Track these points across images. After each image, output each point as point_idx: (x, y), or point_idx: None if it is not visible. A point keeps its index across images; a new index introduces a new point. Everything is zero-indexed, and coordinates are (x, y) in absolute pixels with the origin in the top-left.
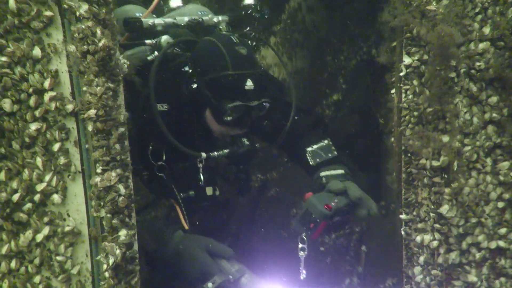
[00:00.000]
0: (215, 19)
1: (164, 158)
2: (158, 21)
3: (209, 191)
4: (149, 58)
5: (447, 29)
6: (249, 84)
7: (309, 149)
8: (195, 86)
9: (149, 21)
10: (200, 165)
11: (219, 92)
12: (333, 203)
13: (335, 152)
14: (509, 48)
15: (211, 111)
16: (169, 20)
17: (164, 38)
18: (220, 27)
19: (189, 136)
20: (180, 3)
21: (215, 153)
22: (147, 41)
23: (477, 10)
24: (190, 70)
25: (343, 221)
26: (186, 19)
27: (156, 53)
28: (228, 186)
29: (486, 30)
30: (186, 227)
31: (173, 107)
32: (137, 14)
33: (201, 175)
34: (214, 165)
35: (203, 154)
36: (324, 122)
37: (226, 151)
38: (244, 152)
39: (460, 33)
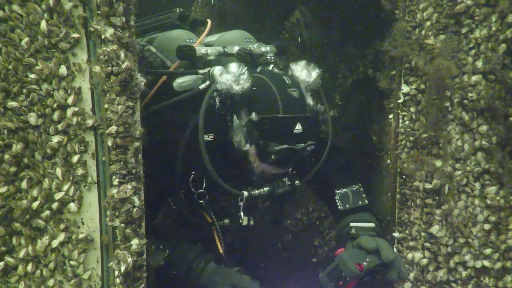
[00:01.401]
0: (263, 49)
1: (204, 186)
2: (211, 50)
3: (245, 221)
4: (200, 87)
5: (444, 62)
6: (298, 127)
7: (338, 191)
8: (242, 122)
9: (202, 49)
10: (241, 203)
11: (267, 134)
12: (365, 263)
13: (366, 201)
14: (499, 81)
15: (256, 149)
16: (220, 49)
17: (218, 69)
18: (268, 57)
19: (231, 170)
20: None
21: (256, 191)
22: (201, 71)
23: (471, 45)
24: (240, 106)
25: (372, 280)
26: (236, 48)
27: (207, 82)
28: (262, 217)
29: (479, 64)
30: (221, 251)
31: (219, 139)
32: (187, 41)
33: (241, 213)
34: (252, 198)
35: (245, 193)
36: (356, 166)
37: (266, 189)
38: (284, 192)
39: (455, 66)
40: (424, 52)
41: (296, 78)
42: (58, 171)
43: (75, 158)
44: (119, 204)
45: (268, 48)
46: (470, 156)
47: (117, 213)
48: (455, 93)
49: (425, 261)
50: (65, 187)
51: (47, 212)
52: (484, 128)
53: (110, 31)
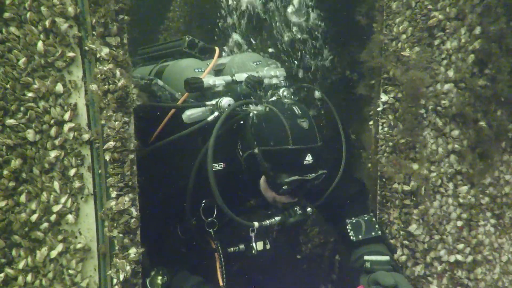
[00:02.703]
0: (272, 73)
1: (215, 215)
2: (218, 81)
3: (259, 245)
4: (209, 118)
5: (418, 73)
6: (309, 158)
7: (350, 221)
8: (251, 152)
9: (210, 80)
10: (252, 234)
11: (277, 165)
12: None
13: (379, 232)
14: (469, 89)
15: (267, 179)
16: (228, 78)
17: (225, 101)
18: (278, 81)
19: (242, 199)
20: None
21: (267, 221)
22: (208, 103)
23: (443, 56)
24: (250, 136)
25: None
26: (244, 75)
27: (216, 113)
28: (278, 241)
29: (450, 73)
30: (221, 284)
31: (229, 168)
32: (196, 70)
33: (253, 243)
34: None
35: (256, 224)
36: (368, 194)
37: (277, 218)
38: (296, 221)
39: (429, 77)
40: (400, 63)
41: (305, 108)
42: (56, 185)
43: (72, 172)
44: (117, 215)
45: (278, 73)
46: (444, 158)
47: (115, 224)
48: (429, 101)
49: (404, 257)
50: (63, 200)
51: (45, 224)
52: (456, 132)
53: (105, 50)
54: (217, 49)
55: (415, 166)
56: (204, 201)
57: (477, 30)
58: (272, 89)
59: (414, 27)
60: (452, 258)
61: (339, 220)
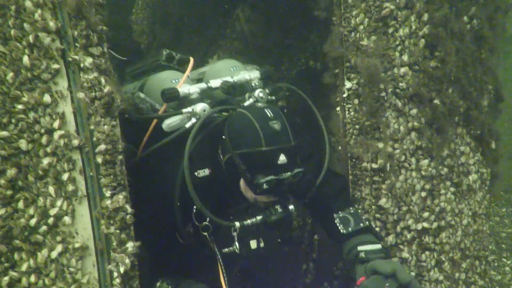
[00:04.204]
0: (247, 76)
1: (208, 219)
2: (193, 89)
3: (253, 244)
4: (187, 125)
5: (372, 60)
6: (282, 158)
7: (337, 215)
8: (229, 156)
9: (185, 89)
10: (235, 233)
11: (253, 167)
12: None
13: (367, 222)
14: (422, 71)
15: (245, 181)
16: (203, 86)
17: (201, 107)
18: (253, 84)
19: (224, 202)
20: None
21: (249, 221)
22: (184, 110)
23: (397, 42)
24: (226, 140)
25: None
26: (219, 82)
27: (193, 119)
28: (272, 237)
29: (405, 57)
30: (224, 287)
31: (215, 173)
32: (172, 81)
33: (236, 243)
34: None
35: (237, 224)
36: (349, 188)
37: (259, 218)
38: (278, 219)
39: (386, 62)
40: (360, 52)
41: (278, 109)
42: (51, 189)
43: (65, 176)
44: (113, 213)
45: (252, 76)
46: (405, 136)
47: (112, 221)
48: (388, 84)
49: (377, 229)
50: (59, 203)
51: (44, 227)
52: (414, 111)
53: (89, 60)
54: (191, 59)
55: (381, 145)
56: (194, 207)
57: (425, 17)
58: (249, 91)
59: (370, 18)
60: (419, 226)
61: (326, 216)
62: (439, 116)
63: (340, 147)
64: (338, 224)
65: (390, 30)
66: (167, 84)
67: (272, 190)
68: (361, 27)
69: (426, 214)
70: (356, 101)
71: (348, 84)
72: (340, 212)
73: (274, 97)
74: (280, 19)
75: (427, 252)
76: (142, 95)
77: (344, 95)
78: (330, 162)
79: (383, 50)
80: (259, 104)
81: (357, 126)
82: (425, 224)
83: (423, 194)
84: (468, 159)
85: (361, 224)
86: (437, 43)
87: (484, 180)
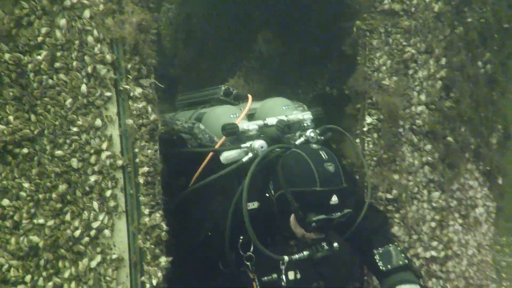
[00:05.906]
0: (300, 116)
1: (252, 249)
2: (252, 125)
3: (291, 275)
4: (244, 159)
5: (393, 99)
6: (334, 199)
7: (376, 251)
8: (282, 193)
9: (244, 125)
10: (283, 267)
11: (306, 205)
12: None
13: (406, 260)
14: (438, 110)
15: (296, 218)
16: (260, 122)
17: (259, 143)
18: (305, 124)
19: (274, 235)
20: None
21: (296, 256)
22: (243, 145)
23: (416, 83)
24: (281, 178)
25: None
26: (275, 120)
27: (250, 154)
28: (309, 271)
29: (423, 97)
30: None
31: (263, 206)
32: (231, 116)
33: (283, 276)
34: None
35: (286, 258)
36: (390, 225)
37: (306, 253)
38: (323, 256)
39: (405, 101)
40: (381, 90)
41: (331, 152)
42: (95, 204)
43: (108, 193)
44: (150, 230)
45: (305, 116)
46: (419, 169)
47: (148, 237)
48: (406, 121)
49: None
50: (101, 217)
51: (86, 239)
52: (428, 147)
53: (138, 90)
54: (249, 96)
55: (396, 177)
56: (241, 237)
57: (443, 61)
58: (300, 130)
59: (392, 60)
60: (428, 254)
61: (367, 251)
62: (452, 152)
63: (357, 176)
64: (377, 261)
65: (410, 72)
66: (227, 119)
67: (321, 228)
68: (384, 67)
69: (435, 243)
70: (375, 135)
71: (368, 119)
72: (380, 248)
73: (323, 137)
74: (300, 44)
75: (434, 279)
76: (202, 126)
77: (364, 129)
78: (371, 197)
79: (403, 90)
80: (314, 146)
81: (375, 158)
82: (434, 253)
83: (433, 224)
84: (476, 193)
85: (400, 262)
86: (453, 85)
87: (489, 213)
